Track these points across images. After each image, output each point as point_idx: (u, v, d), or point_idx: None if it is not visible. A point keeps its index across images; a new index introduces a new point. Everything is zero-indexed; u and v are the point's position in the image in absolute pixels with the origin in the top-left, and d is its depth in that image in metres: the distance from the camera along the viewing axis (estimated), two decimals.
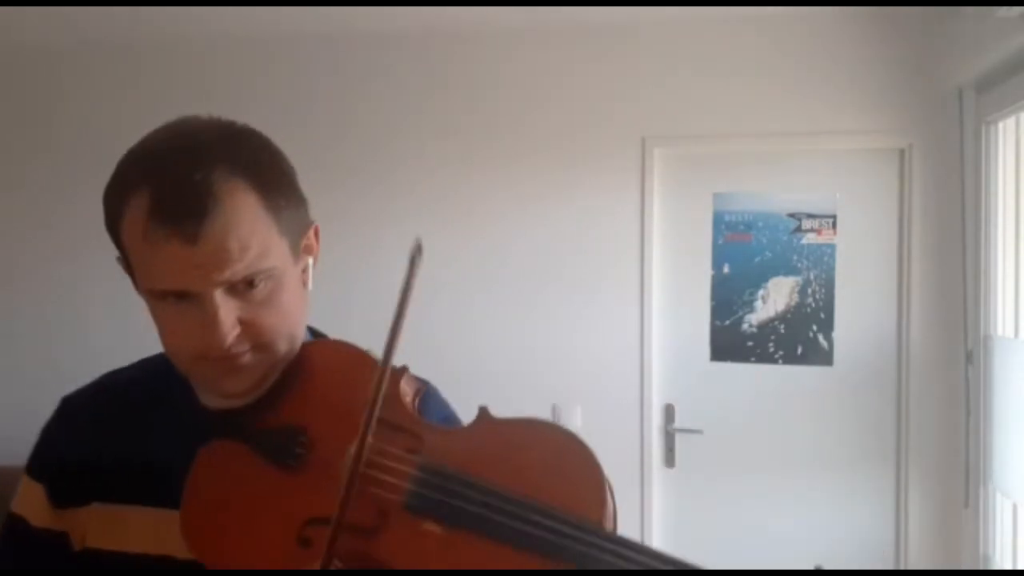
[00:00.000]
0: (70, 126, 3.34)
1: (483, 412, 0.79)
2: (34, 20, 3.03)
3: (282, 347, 0.81)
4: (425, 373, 0.88)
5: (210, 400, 0.85)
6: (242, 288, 0.75)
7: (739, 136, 2.98)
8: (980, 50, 2.48)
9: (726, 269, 3.03)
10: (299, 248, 0.82)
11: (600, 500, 0.73)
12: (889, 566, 2.89)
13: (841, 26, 2.89)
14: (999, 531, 2.63)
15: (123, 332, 3.18)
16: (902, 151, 2.89)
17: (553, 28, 3.05)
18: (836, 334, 2.95)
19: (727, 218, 3.03)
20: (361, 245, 3.09)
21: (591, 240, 3.04)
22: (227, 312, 0.74)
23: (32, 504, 0.88)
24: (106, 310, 3.21)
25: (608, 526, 0.72)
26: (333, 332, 0.93)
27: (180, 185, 0.72)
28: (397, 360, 0.76)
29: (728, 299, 3.03)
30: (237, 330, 0.76)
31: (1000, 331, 2.62)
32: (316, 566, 0.70)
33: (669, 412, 3.06)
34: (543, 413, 2.97)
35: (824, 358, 2.96)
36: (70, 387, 0.94)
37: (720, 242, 3.03)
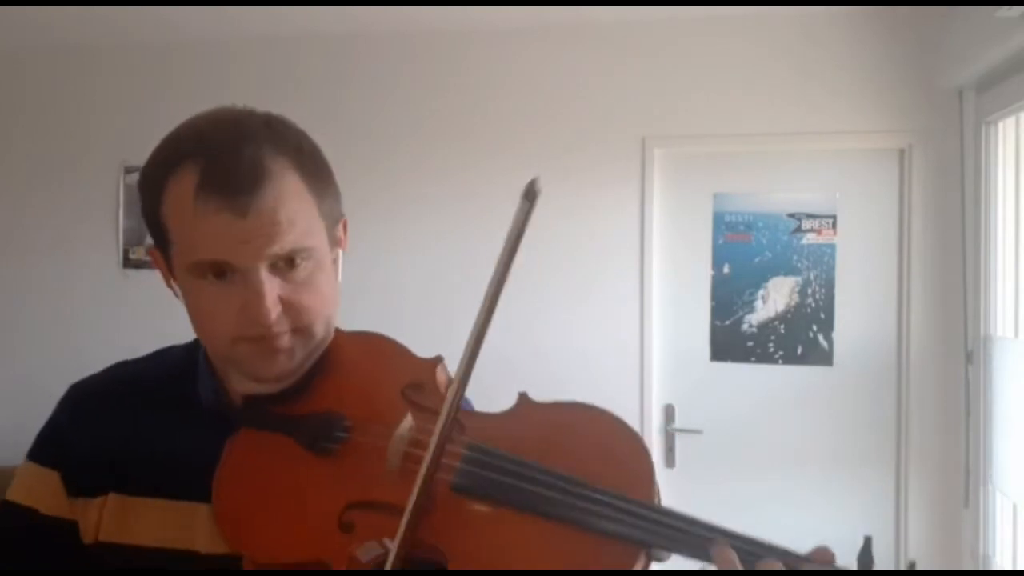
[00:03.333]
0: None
1: (523, 396, 0.82)
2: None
3: (319, 331, 0.82)
4: None
5: (243, 386, 0.84)
6: (284, 267, 0.77)
7: (739, 136, 2.97)
8: (980, 50, 2.48)
9: (726, 269, 3.03)
10: (334, 237, 0.84)
11: (649, 481, 0.72)
12: (889, 566, 2.89)
13: (841, 26, 2.89)
14: (999, 531, 2.63)
15: (117, 335, 3.18)
16: (902, 151, 2.89)
17: (553, 28, 3.05)
18: (836, 334, 2.95)
19: (727, 218, 3.02)
20: (359, 245, 3.09)
21: (591, 240, 3.04)
22: (271, 288, 0.75)
23: (44, 493, 0.85)
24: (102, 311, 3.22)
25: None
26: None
27: (231, 159, 0.74)
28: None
29: (728, 299, 3.03)
30: (279, 307, 0.76)
31: (1000, 331, 2.62)
32: (355, 550, 0.71)
33: (669, 412, 3.06)
34: None
35: (824, 358, 2.95)
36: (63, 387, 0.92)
37: (720, 242, 3.03)
